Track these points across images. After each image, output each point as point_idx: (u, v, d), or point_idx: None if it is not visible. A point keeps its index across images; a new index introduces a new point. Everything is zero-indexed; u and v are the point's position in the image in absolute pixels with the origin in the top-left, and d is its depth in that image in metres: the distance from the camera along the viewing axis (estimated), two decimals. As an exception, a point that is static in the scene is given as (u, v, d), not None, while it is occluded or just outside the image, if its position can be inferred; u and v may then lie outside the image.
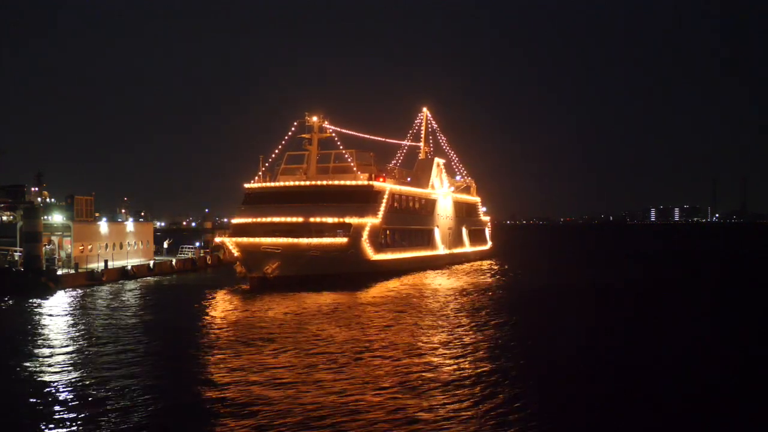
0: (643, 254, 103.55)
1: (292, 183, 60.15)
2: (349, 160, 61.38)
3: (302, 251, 51.22)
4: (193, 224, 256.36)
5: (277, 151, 62.51)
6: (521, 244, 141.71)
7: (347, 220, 54.51)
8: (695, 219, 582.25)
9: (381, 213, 58.65)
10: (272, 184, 60.70)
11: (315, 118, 61.51)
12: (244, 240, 51.34)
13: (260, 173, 61.24)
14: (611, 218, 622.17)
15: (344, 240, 53.23)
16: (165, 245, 75.59)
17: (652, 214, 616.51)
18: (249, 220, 55.77)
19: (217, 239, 56.50)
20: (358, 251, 54.93)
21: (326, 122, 62.11)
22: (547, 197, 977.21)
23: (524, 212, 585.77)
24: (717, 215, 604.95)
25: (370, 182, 58.83)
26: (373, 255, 56.91)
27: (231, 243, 51.29)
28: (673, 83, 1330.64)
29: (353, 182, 58.72)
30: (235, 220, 57.37)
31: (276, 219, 54.41)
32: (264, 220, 54.81)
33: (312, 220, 53.89)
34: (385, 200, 59.66)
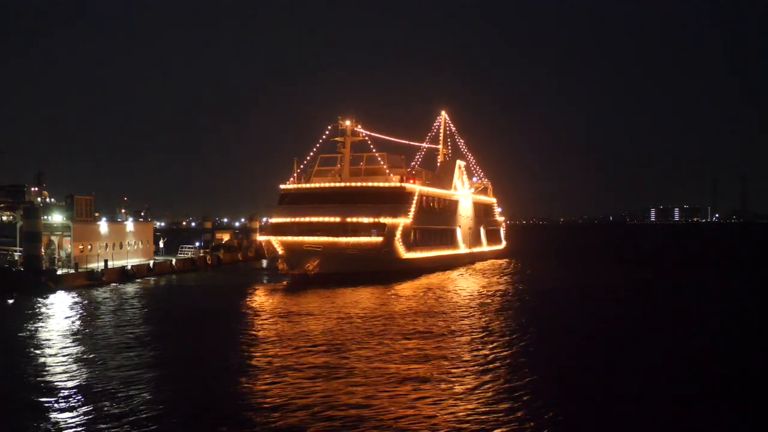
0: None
1: (328, 184, 62.61)
2: (381, 162, 63.94)
3: (341, 250, 53.81)
4: (193, 224, 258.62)
5: (311, 153, 65.23)
6: (529, 243, 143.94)
7: (381, 220, 57.01)
8: (695, 219, 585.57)
9: (412, 213, 61.16)
10: (308, 185, 63.14)
11: (348, 122, 64.07)
12: (288, 239, 53.97)
13: (295, 174, 63.76)
14: (611, 218, 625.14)
15: (379, 239, 55.78)
16: (161, 244, 76.10)
17: (652, 214, 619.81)
18: (287, 219, 58.15)
19: (261, 238, 58.83)
20: (391, 250, 57.49)
21: (359, 126, 64.68)
22: (546, 197, 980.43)
23: (524, 212, 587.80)
24: (717, 215, 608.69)
25: (402, 184, 61.45)
26: (404, 253, 59.46)
27: (276, 242, 53.83)
28: (673, 83, 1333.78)
29: (386, 184, 61.21)
30: (274, 220, 59.66)
31: (314, 219, 56.90)
32: (302, 219, 57.31)
33: (349, 220, 56.39)
34: (415, 201, 62.16)
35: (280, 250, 53.95)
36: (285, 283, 53.03)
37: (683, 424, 17.96)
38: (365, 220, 56.74)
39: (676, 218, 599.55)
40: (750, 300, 44.13)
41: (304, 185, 62.92)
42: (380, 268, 55.12)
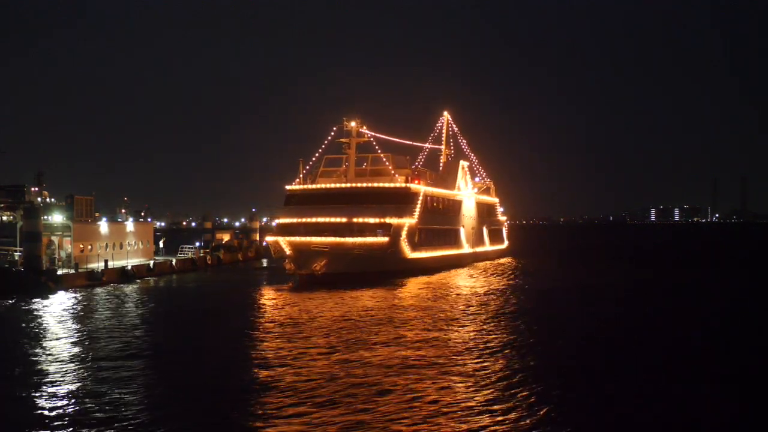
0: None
1: (334, 185, 63.41)
2: (386, 163, 64.73)
3: (348, 250, 54.61)
4: (193, 224, 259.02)
5: (317, 154, 66.06)
6: (530, 243, 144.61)
7: (387, 220, 57.76)
8: (695, 219, 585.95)
9: (417, 213, 61.97)
10: (314, 186, 64.00)
11: (353, 123, 64.90)
12: (296, 239, 54.83)
13: (301, 175, 64.56)
14: (611, 218, 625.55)
15: (386, 239, 56.51)
16: (161, 244, 76.40)
17: (652, 214, 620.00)
18: (294, 220, 58.90)
19: (268, 239, 59.59)
20: (396, 250, 58.23)
21: (364, 127, 65.51)
22: (546, 197, 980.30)
23: (525, 212, 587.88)
24: (717, 215, 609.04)
25: (407, 184, 62.28)
26: (409, 253, 60.21)
27: (284, 242, 54.66)
28: (673, 83, 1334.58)
29: (391, 184, 62.07)
30: (281, 220, 60.43)
31: (320, 219, 57.70)
32: (309, 220, 58.12)
33: (355, 220, 57.18)
34: (420, 201, 62.99)
35: (287, 251, 54.74)
36: (291, 283, 53.70)
37: (683, 424, 18.12)
38: (371, 220, 57.50)
39: (676, 218, 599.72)
40: (750, 300, 44.66)
41: (310, 186, 63.78)
42: (386, 268, 55.91)
